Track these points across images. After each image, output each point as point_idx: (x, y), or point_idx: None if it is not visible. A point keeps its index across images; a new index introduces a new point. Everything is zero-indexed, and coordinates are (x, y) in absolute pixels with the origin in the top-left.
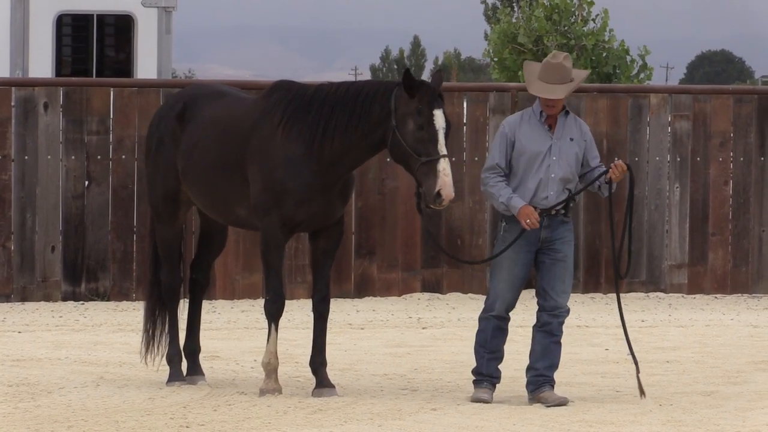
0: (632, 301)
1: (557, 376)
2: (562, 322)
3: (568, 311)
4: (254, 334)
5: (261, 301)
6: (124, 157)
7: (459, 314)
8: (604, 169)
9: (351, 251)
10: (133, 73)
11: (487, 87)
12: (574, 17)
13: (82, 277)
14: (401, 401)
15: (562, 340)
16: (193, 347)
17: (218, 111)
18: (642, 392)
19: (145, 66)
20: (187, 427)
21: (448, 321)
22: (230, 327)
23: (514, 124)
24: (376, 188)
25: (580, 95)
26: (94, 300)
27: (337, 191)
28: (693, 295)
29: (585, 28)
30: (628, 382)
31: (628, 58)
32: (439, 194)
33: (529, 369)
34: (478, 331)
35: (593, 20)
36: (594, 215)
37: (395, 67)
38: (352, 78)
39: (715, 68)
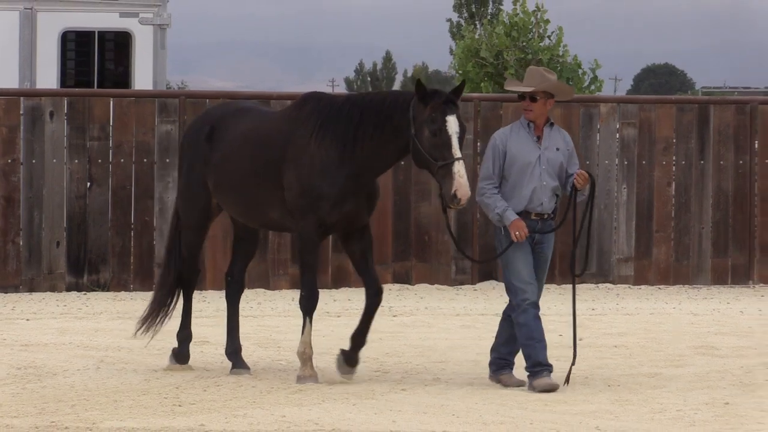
0: (583, 291)
1: (517, 360)
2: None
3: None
4: (241, 321)
5: (247, 292)
6: (122, 160)
7: (426, 303)
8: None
9: (329, 246)
10: (131, 85)
11: None
12: (531, 34)
13: (85, 270)
14: (374, 382)
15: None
16: (235, 346)
17: (247, 126)
18: (567, 380)
19: (142, 78)
20: (180, 405)
21: (417, 310)
22: (219, 315)
23: (505, 136)
24: None
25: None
26: (95, 290)
27: (365, 196)
28: (639, 286)
29: (541, 44)
30: (579, 365)
31: (580, 71)
32: (455, 195)
33: (493, 350)
34: (519, 325)
35: (549, 37)
36: None
37: (368, 79)
38: (329, 89)
39: (660, 80)
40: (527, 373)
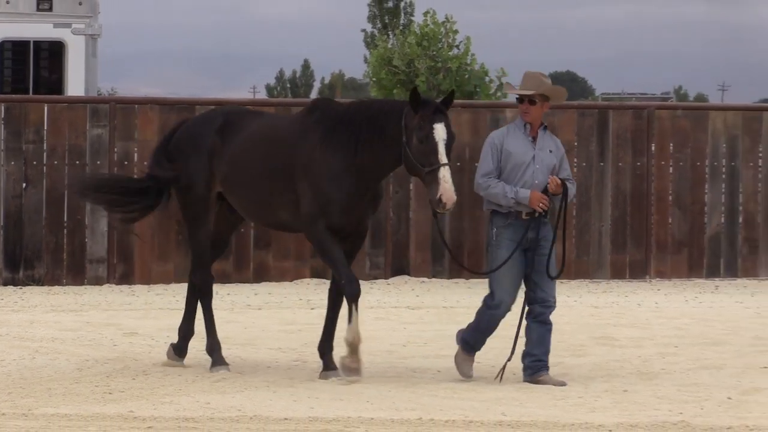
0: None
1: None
2: (552, 312)
3: (556, 301)
4: (168, 314)
5: (173, 286)
6: (56, 162)
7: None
8: (570, 185)
9: (250, 243)
10: (64, 91)
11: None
12: (441, 43)
13: (21, 266)
14: (293, 371)
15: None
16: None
17: (262, 126)
18: (500, 376)
19: (75, 85)
20: (110, 393)
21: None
22: (147, 308)
23: (502, 136)
24: None
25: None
26: (31, 285)
27: (368, 200)
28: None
29: (451, 53)
30: (486, 354)
31: (487, 79)
32: (440, 200)
33: (526, 355)
34: (480, 321)
35: (457, 46)
36: (457, 211)
37: (288, 86)
38: (251, 95)
39: (562, 87)
40: (459, 345)
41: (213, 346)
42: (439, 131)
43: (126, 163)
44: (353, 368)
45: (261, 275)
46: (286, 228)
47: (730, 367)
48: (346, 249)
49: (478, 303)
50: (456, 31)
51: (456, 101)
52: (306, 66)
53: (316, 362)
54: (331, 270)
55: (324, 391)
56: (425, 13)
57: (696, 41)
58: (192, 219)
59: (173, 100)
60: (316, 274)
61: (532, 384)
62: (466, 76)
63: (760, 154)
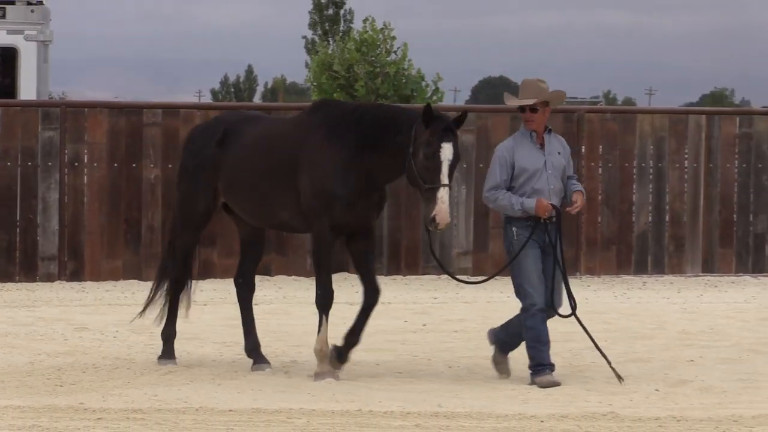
0: (427, 282)
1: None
2: (553, 315)
3: (560, 306)
4: (116, 309)
5: (122, 282)
6: (9, 164)
7: (285, 293)
8: (577, 187)
9: None
10: (17, 95)
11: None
12: (379, 49)
13: None
14: (237, 364)
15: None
16: (254, 343)
17: (261, 131)
18: (619, 377)
19: (27, 89)
20: (61, 386)
21: (276, 299)
22: (96, 304)
23: (510, 148)
24: None
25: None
26: None
27: (374, 200)
28: (476, 277)
29: (389, 58)
30: (423, 348)
31: (424, 83)
32: (434, 219)
33: (504, 344)
34: (527, 328)
35: (395, 52)
36: (395, 211)
37: (232, 90)
38: (196, 99)
39: (495, 91)
40: (530, 371)
41: (168, 336)
42: (446, 151)
43: (76, 164)
44: (326, 372)
45: (206, 272)
46: (287, 227)
47: (657, 360)
48: (360, 249)
49: (414, 299)
50: (394, 38)
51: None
52: (250, 71)
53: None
54: (315, 273)
55: (267, 383)
56: (364, 21)
57: (624, 47)
58: (187, 226)
59: (121, 104)
60: (259, 271)
61: (538, 386)
62: (404, 81)
63: (686, 156)
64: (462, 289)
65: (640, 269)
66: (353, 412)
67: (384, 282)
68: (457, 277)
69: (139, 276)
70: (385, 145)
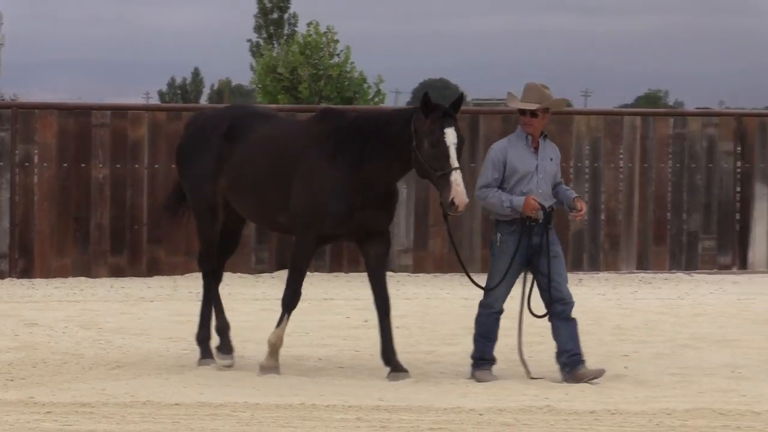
0: (367, 280)
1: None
2: (572, 307)
3: (572, 298)
4: (65, 306)
5: (71, 280)
6: None
7: (230, 290)
8: (574, 194)
9: (143, 239)
10: None
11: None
12: (323, 52)
13: None
14: (184, 359)
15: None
16: (208, 335)
17: (269, 131)
18: (527, 371)
19: None
20: (12, 380)
21: (222, 295)
22: (46, 300)
23: (504, 149)
24: (164, 189)
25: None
26: None
27: (381, 204)
28: (417, 274)
29: (332, 61)
30: (364, 343)
31: (366, 85)
32: (452, 202)
33: (562, 353)
34: (479, 324)
35: (338, 55)
36: None
37: (179, 92)
38: (144, 100)
39: (436, 93)
40: (471, 363)
41: (204, 338)
42: (450, 135)
43: (27, 164)
44: (272, 366)
45: (154, 269)
46: (286, 231)
47: (592, 355)
48: (372, 253)
49: (356, 295)
50: (337, 41)
51: (337, 107)
52: (196, 73)
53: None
54: (288, 274)
55: (212, 377)
56: (308, 24)
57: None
58: (200, 218)
59: (71, 105)
60: None
61: (573, 383)
62: (346, 83)
63: (621, 156)
64: (403, 285)
65: (577, 266)
66: (296, 405)
67: (326, 279)
68: (479, 284)
69: (88, 273)
70: (387, 148)
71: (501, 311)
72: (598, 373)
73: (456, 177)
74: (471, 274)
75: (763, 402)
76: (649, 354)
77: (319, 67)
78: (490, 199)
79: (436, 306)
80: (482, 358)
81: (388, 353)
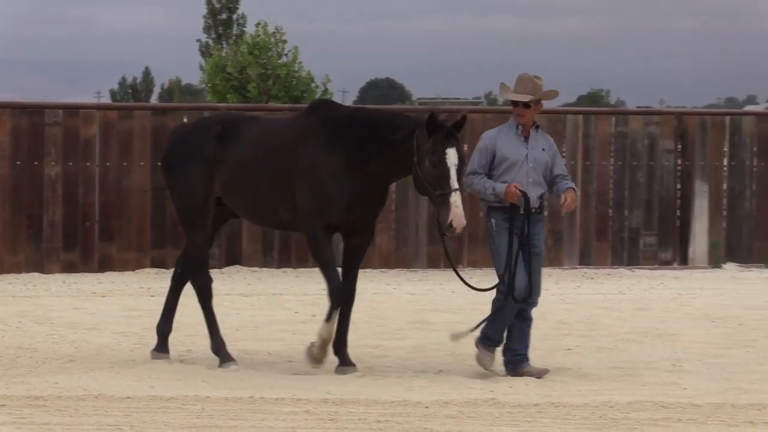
0: (316, 274)
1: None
2: (534, 307)
3: (539, 298)
4: (19, 301)
5: (24, 276)
6: None
7: None
8: (571, 185)
9: (95, 236)
10: None
11: (204, 107)
12: (271, 52)
13: None
14: (135, 354)
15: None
16: (166, 329)
17: (260, 129)
18: (458, 338)
19: None
20: None
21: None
22: (0, 296)
23: (494, 137)
24: (115, 186)
25: (275, 114)
26: None
27: (376, 198)
28: (364, 270)
29: (280, 61)
30: (312, 338)
31: (313, 85)
32: (450, 224)
33: (507, 350)
34: (497, 308)
35: (286, 55)
36: None
37: (130, 91)
38: (95, 100)
39: (382, 92)
40: (478, 337)
41: (218, 345)
42: (452, 156)
43: None
44: (318, 359)
45: (105, 265)
46: (287, 227)
47: (536, 348)
48: (354, 245)
49: (304, 290)
50: (285, 41)
51: (284, 105)
52: (147, 73)
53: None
54: (320, 270)
55: (163, 371)
56: (257, 25)
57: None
58: (190, 223)
59: (24, 104)
60: (156, 264)
61: (515, 376)
62: (294, 83)
63: (564, 154)
64: None
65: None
66: (246, 398)
67: (275, 274)
68: (469, 284)
69: (41, 269)
70: (386, 152)
71: (523, 299)
72: (543, 372)
73: (455, 198)
74: (416, 269)
75: (704, 395)
76: (592, 348)
77: (267, 67)
78: (475, 186)
79: (383, 301)
80: (489, 338)
81: (339, 345)
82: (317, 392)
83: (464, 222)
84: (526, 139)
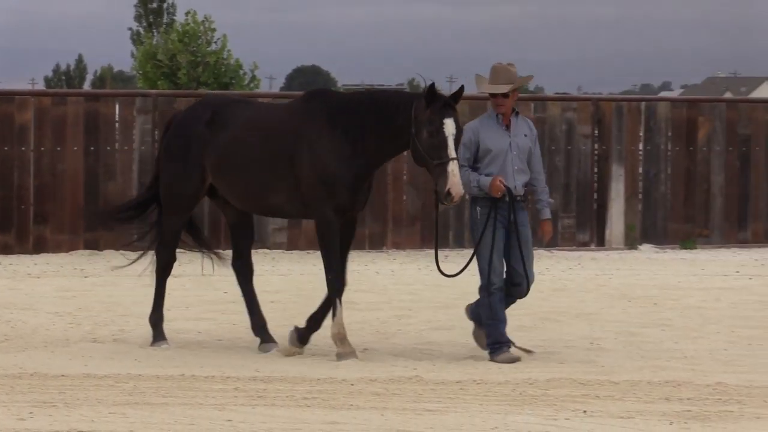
0: None
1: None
2: (523, 295)
3: (529, 286)
4: None
5: None
6: None
7: (113, 266)
8: (546, 216)
9: (30, 219)
10: None
11: (134, 93)
12: (200, 40)
13: None
14: (69, 333)
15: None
16: (261, 322)
17: (253, 114)
18: (527, 350)
19: None
20: None
21: (105, 272)
22: None
23: (476, 129)
24: (50, 170)
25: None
26: None
27: (367, 185)
28: (291, 251)
29: (209, 49)
30: (241, 317)
31: (242, 71)
32: (449, 192)
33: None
34: (484, 309)
35: (215, 42)
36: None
37: (63, 78)
38: (30, 86)
39: (308, 79)
40: (488, 349)
41: (157, 320)
42: (449, 126)
43: None
44: (348, 352)
45: (40, 247)
46: (280, 213)
47: (459, 328)
48: (343, 234)
49: (232, 271)
50: (214, 30)
51: (212, 92)
52: (80, 60)
53: (89, 324)
54: (323, 256)
55: (96, 351)
56: (186, 13)
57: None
58: (174, 207)
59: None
60: (90, 245)
61: (496, 362)
62: (223, 69)
63: None
64: (278, 262)
65: (442, 244)
66: (177, 376)
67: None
68: (442, 270)
69: None
70: (385, 128)
71: (501, 288)
72: (513, 359)
73: (453, 167)
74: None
75: (621, 372)
76: (512, 327)
77: (197, 55)
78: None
79: (309, 282)
80: (497, 342)
81: (312, 323)
82: (246, 370)
83: (462, 191)
84: (508, 127)
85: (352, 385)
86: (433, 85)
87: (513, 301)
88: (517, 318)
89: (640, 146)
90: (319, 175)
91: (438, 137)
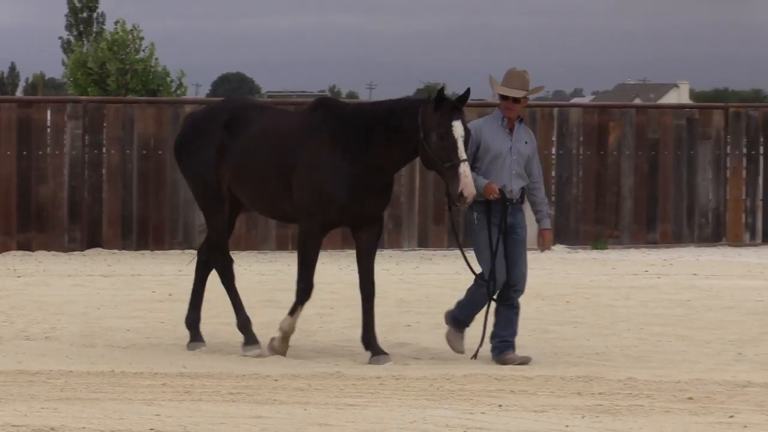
0: (171, 256)
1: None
2: (520, 296)
3: (525, 286)
4: None
5: None
6: None
7: (45, 267)
8: (545, 227)
9: None
10: None
11: (65, 99)
12: (129, 48)
13: None
14: (2, 330)
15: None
16: (196, 318)
17: (267, 121)
18: (475, 356)
19: None
20: None
21: (37, 272)
22: None
23: (479, 128)
24: None
25: (133, 106)
26: None
27: (381, 191)
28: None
29: (137, 56)
30: (169, 316)
31: (169, 79)
32: (462, 194)
33: (494, 336)
34: (472, 298)
35: (143, 51)
36: (143, 192)
37: None
38: None
39: (233, 86)
40: (450, 317)
41: (244, 323)
42: (458, 128)
43: None
44: (280, 351)
45: None
46: (290, 220)
47: (379, 325)
48: (363, 240)
49: (161, 271)
50: (142, 38)
51: (141, 98)
52: (12, 68)
53: (22, 323)
54: (297, 266)
55: (29, 348)
56: (116, 23)
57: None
58: (206, 207)
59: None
60: (22, 246)
61: (499, 363)
62: (151, 77)
63: None
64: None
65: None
66: (107, 373)
67: (134, 256)
68: (474, 271)
69: None
70: (392, 138)
71: (498, 289)
72: (525, 360)
73: (464, 169)
74: (266, 251)
75: (535, 368)
76: (430, 324)
77: (125, 62)
78: None
79: (237, 280)
80: (459, 321)
81: (368, 338)
82: (174, 367)
83: (474, 191)
84: (511, 131)
85: (276, 380)
86: (442, 89)
87: (516, 311)
88: (435, 316)
89: (553, 150)
90: (311, 192)
91: (448, 140)
